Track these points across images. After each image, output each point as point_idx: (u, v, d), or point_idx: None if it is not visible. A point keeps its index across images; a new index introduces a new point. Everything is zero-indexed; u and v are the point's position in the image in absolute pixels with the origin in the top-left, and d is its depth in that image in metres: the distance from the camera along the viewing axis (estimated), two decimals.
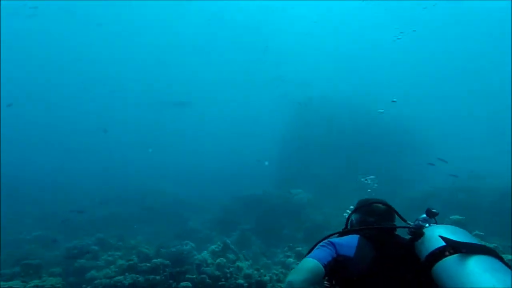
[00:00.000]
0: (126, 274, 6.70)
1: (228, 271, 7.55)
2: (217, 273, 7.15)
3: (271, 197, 16.33)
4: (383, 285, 1.54)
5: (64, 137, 34.79)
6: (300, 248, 9.59)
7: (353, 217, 1.99)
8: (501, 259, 1.40)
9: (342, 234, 1.89)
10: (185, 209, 17.93)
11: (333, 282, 1.74)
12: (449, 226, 1.59)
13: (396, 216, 1.90)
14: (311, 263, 1.56)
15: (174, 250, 9.16)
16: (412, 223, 1.72)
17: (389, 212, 1.90)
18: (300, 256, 9.09)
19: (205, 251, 9.73)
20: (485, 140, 29.35)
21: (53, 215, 16.05)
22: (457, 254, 1.42)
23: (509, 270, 1.33)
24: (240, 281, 6.65)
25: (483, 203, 12.52)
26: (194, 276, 6.75)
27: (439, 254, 1.46)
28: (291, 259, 8.94)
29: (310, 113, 22.15)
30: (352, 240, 1.70)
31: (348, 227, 2.00)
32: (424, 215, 1.69)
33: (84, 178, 24.49)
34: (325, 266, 1.55)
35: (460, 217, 9.00)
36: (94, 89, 40.95)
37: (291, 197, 15.78)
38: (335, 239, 1.73)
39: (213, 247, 10.03)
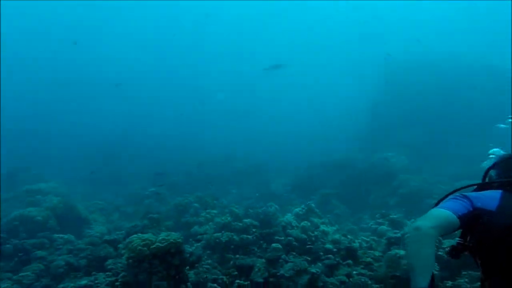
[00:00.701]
0: (223, 231, 7.59)
1: (312, 234, 7.77)
2: (303, 236, 7.46)
3: (356, 161, 15.61)
4: None
5: (169, 107, 39.77)
6: (395, 216, 9.01)
7: (492, 172, 1.78)
8: None
9: (478, 189, 1.72)
10: (268, 172, 18.86)
11: (468, 238, 1.56)
12: None
13: None
14: (443, 212, 1.45)
15: (261, 212, 9.87)
16: None
17: None
18: (394, 224, 8.61)
19: (289, 214, 10.15)
20: None
21: (161, 174, 19.15)
22: None
23: None
24: (329, 246, 6.77)
25: None
26: (282, 238, 7.19)
27: None
28: (384, 227, 8.52)
29: (405, 72, 19.53)
30: (493, 193, 1.55)
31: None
32: None
33: (185, 142, 28.14)
34: (460, 218, 1.43)
35: None
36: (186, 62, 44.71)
37: (380, 161, 14.77)
38: (469, 193, 1.60)
39: (297, 210, 10.36)
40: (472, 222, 1.47)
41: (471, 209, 1.48)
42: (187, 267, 5.08)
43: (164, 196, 14.40)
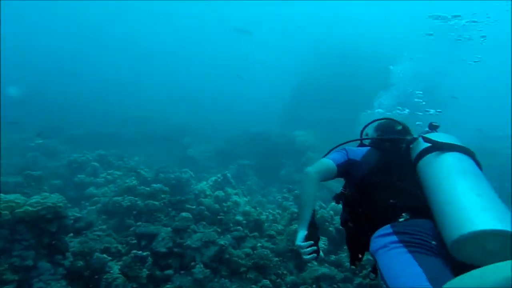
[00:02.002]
0: (125, 195, 6.69)
1: (225, 205, 7.62)
2: (215, 206, 7.19)
3: (273, 135, 16.16)
4: (381, 184, 1.68)
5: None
6: (299, 191, 9.57)
7: (369, 132, 2.19)
8: (474, 158, 1.52)
9: (359, 145, 2.13)
10: (187, 136, 17.88)
11: (346, 187, 1.96)
12: (442, 133, 1.73)
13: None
14: (326, 161, 1.85)
15: (173, 177, 9.14)
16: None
17: (391, 126, 2.05)
18: (298, 199, 9.14)
19: (204, 182, 9.76)
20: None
21: (59, 128, 16.05)
22: (435, 152, 1.53)
23: (478, 169, 1.47)
24: (239, 217, 6.68)
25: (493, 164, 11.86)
26: (194, 206, 6.76)
27: (422, 152, 1.61)
28: (288, 202, 8.99)
29: (326, 56, 20.68)
30: (362, 149, 1.94)
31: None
32: (427, 129, 1.85)
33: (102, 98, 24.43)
34: (337, 166, 1.82)
35: None
36: None
37: (293, 138, 15.58)
38: (348, 147, 1.97)
39: (212, 178, 10.03)
40: (346, 170, 1.85)
41: (346, 158, 1.86)
42: (71, 234, 4.16)
43: (55, 151, 12.07)
